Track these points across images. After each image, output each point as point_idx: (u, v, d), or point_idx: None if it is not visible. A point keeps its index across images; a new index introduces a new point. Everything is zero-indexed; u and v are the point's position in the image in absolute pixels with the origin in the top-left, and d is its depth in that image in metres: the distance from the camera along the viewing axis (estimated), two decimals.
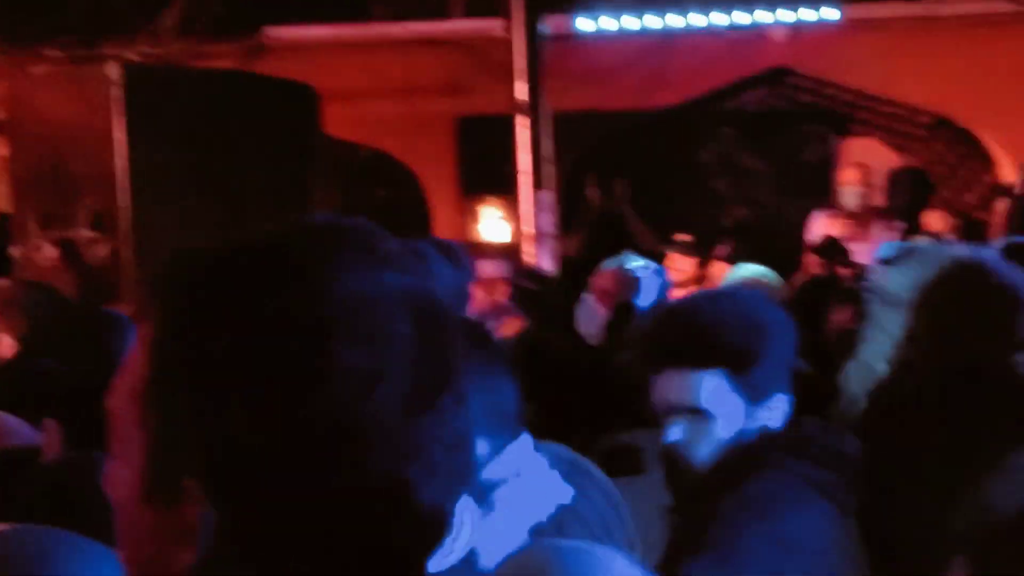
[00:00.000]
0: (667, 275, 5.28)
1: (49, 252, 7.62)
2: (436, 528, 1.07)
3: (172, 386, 1.03)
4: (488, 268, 7.18)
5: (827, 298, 7.33)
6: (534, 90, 8.97)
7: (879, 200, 10.12)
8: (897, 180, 11.70)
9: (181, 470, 1.02)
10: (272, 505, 1.01)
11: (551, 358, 4.28)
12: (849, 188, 9.47)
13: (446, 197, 11.80)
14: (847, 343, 5.82)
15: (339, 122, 9.89)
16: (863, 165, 9.84)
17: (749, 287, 5.06)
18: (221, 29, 10.17)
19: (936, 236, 9.03)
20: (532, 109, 8.93)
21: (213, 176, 7.85)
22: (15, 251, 7.81)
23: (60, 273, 7.39)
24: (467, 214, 11.87)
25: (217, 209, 7.78)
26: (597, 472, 2.41)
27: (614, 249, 5.54)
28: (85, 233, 7.48)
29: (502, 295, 5.86)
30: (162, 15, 9.79)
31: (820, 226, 9.47)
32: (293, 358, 1.00)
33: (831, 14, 10.70)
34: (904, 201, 11.15)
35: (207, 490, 1.01)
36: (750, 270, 5.46)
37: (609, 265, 4.98)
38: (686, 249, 7.74)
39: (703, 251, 7.59)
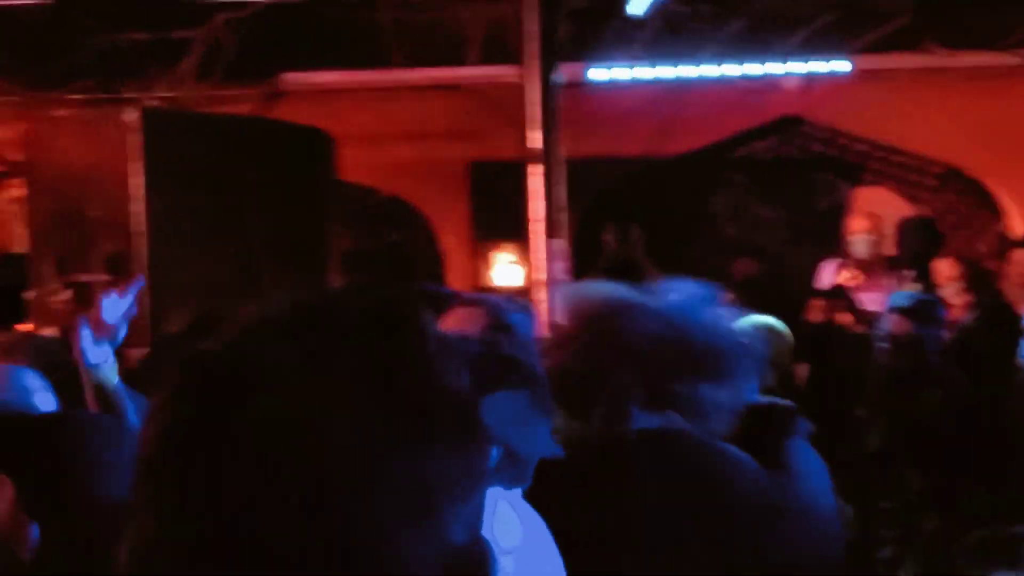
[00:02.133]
0: None
1: (64, 295, 7.66)
2: None
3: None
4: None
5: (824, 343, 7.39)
6: (547, 138, 9.00)
7: (889, 249, 10.15)
8: (906, 229, 11.73)
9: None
10: None
11: None
12: (859, 237, 9.52)
13: (459, 242, 11.85)
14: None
15: (354, 167, 9.96)
16: (873, 214, 9.89)
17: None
18: (238, 74, 10.26)
19: (946, 284, 9.07)
20: (545, 157, 8.96)
21: (228, 221, 7.91)
22: (30, 294, 7.85)
23: (73, 316, 7.42)
24: (480, 260, 11.91)
25: (232, 254, 7.84)
26: None
27: None
28: (101, 277, 7.53)
29: None
30: (180, 60, 9.88)
31: (830, 274, 9.51)
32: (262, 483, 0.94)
33: (842, 65, 10.77)
34: (914, 249, 11.18)
35: None
36: (760, 319, 5.51)
37: None
38: None
39: None
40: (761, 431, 2.93)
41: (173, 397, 1.01)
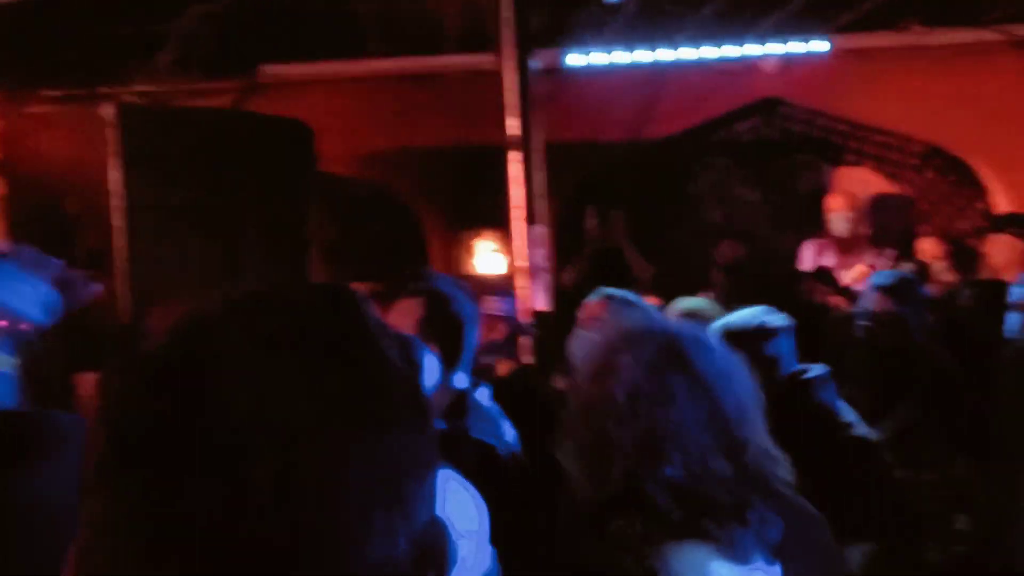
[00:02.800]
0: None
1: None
2: None
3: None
4: (491, 305, 7.20)
5: (821, 325, 7.40)
6: (525, 124, 9.00)
7: (865, 226, 10.19)
8: (881, 206, 11.77)
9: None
10: None
11: (539, 400, 4.32)
12: (837, 215, 9.54)
13: (441, 230, 11.85)
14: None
15: (334, 157, 9.95)
16: (849, 192, 9.93)
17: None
18: (216, 67, 10.23)
19: (929, 262, 9.09)
20: (524, 143, 8.95)
21: (209, 214, 7.89)
22: None
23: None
24: (461, 248, 11.91)
25: (213, 247, 7.82)
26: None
27: (610, 281, 5.56)
28: (81, 272, 7.50)
29: (500, 334, 5.86)
30: (157, 54, 9.85)
31: (811, 255, 9.53)
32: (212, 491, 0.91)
33: (820, 45, 10.77)
34: (892, 227, 11.21)
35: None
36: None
37: (592, 298, 5.02)
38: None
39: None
40: None
41: (120, 396, 0.98)
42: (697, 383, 2.38)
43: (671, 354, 2.43)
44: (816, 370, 4.13)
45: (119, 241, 7.32)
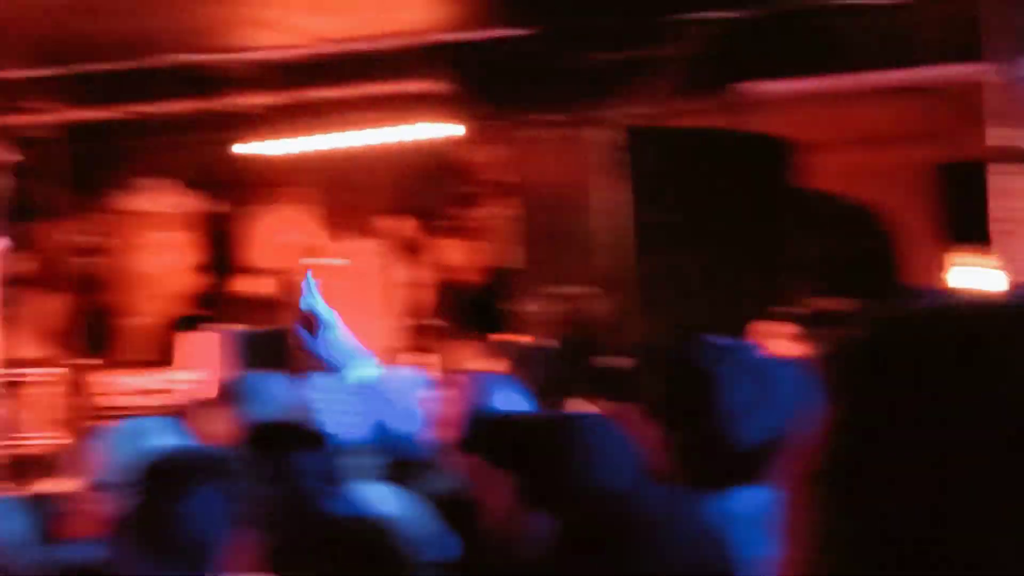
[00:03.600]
0: None
1: (554, 307, 8.05)
2: None
3: (848, 479, 0.91)
4: None
5: None
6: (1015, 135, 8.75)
7: None
8: None
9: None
10: None
11: None
12: None
13: (924, 247, 11.62)
14: None
15: (817, 173, 9.96)
16: None
17: None
18: (699, 87, 10.43)
19: None
20: (1018, 154, 8.71)
21: (703, 231, 8.09)
22: (520, 306, 8.28)
23: (561, 327, 7.78)
24: (947, 264, 11.65)
25: (707, 262, 8.02)
26: None
27: None
28: (588, 289, 7.86)
29: None
30: (646, 77, 10.14)
31: None
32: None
33: None
34: None
35: None
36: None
37: None
38: None
39: None
40: None
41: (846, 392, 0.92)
42: None
43: None
44: None
45: (627, 259, 7.60)
